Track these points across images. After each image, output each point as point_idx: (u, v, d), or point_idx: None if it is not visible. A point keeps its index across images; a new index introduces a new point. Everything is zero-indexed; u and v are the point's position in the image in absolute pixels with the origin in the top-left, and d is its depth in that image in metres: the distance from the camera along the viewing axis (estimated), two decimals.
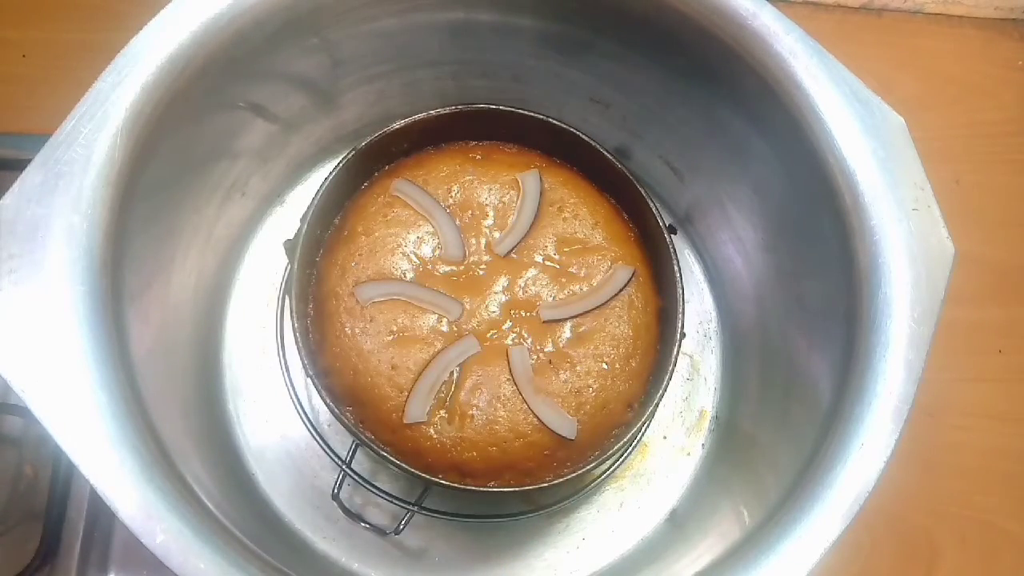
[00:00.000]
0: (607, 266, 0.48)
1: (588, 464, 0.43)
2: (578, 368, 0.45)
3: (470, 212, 0.48)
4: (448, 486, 0.42)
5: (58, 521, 0.48)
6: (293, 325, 0.43)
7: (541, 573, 0.50)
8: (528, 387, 0.44)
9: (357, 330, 0.45)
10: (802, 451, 0.39)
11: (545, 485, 0.43)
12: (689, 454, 0.53)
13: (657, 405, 0.45)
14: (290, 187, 0.56)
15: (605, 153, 0.48)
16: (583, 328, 0.46)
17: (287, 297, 0.45)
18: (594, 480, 0.49)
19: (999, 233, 0.60)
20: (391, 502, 0.47)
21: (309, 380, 0.44)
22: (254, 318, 0.53)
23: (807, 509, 0.36)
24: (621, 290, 0.47)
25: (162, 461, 0.35)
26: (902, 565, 0.54)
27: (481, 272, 0.47)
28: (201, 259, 0.49)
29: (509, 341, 0.45)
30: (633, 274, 0.47)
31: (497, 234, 0.47)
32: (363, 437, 0.43)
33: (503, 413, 0.43)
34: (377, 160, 0.49)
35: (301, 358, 0.43)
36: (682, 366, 0.54)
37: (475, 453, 0.43)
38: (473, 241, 0.47)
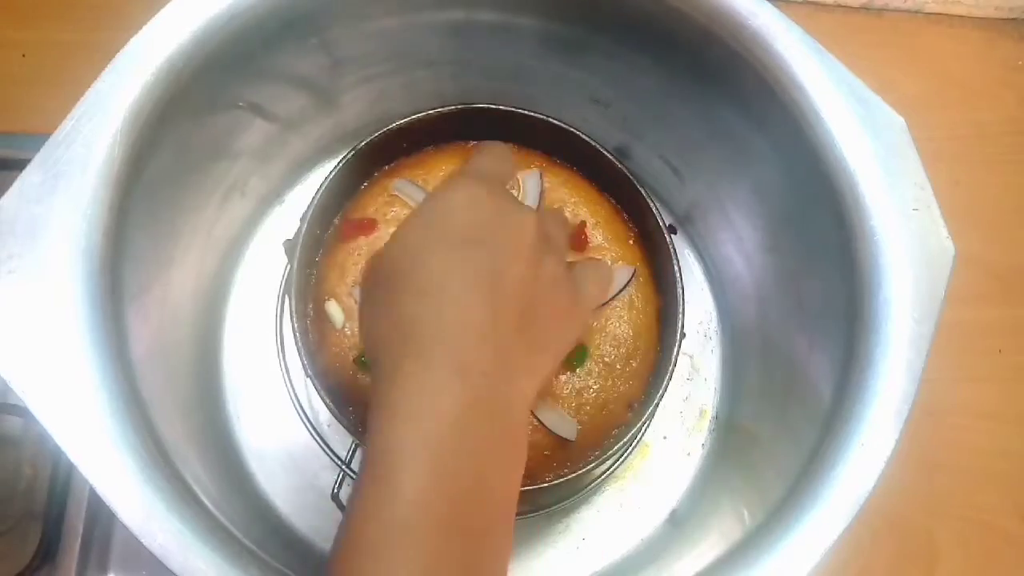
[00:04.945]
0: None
1: (588, 464, 0.43)
2: (578, 369, 0.45)
3: None
4: None
5: (57, 521, 0.48)
6: (293, 325, 0.43)
7: (540, 573, 0.50)
8: None
9: (356, 330, 0.45)
10: (803, 451, 0.39)
11: (545, 485, 0.43)
12: (689, 454, 0.53)
13: (657, 405, 0.44)
14: (290, 187, 0.56)
15: (605, 153, 0.48)
16: None
17: (287, 297, 0.45)
18: (594, 480, 0.49)
19: (999, 233, 0.60)
20: None
21: (309, 380, 0.44)
22: (254, 318, 0.53)
23: (808, 509, 0.36)
24: (622, 290, 0.47)
25: (162, 461, 0.35)
26: (902, 565, 0.54)
27: None
28: (200, 259, 0.49)
29: None
30: (633, 274, 0.47)
31: None
32: (363, 437, 0.43)
33: None
34: (377, 160, 0.49)
35: (301, 358, 0.43)
36: (682, 366, 0.54)
37: None
38: None
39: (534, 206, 0.48)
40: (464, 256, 0.31)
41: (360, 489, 0.28)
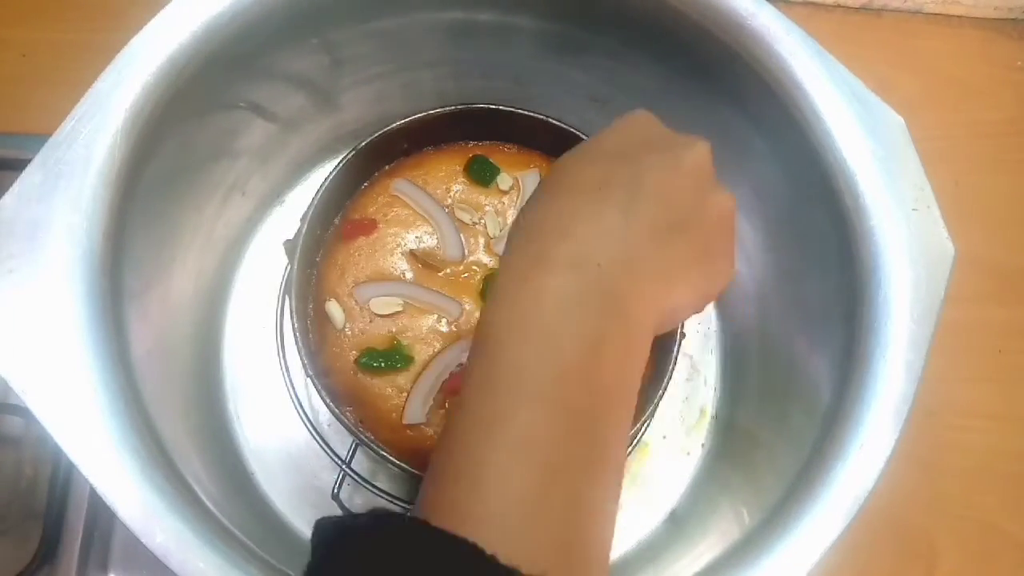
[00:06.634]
0: None
1: None
2: None
3: (469, 212, 0.48)
4: None
5: (58, 521, 0.48)
6: (293, 325, 0.43)
7: None
8: None
9: (356, 330, 0.45)
10: (802, 451, 0.39)
11: None
12: (689, 454, 0.53)
13: (657, 405, 0.45)
14: (290, 187, 0.56)
15: None
16: None
17: (287, 297, 0.45)
18: None
19: (999, 233, 0.60)
20: (391, 502, 0.47)
21: (309, 380, 0.44)
22: (254, 318, 0.53)
23: (807, 509, 0.36)
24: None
25: (162, 461, 0.35)
26: (901, 565, 0.54)
27: (480, 272, 0.47)
28: (201, 259, 0.49)
29: None
30: None
31: (497, 233, 0.48)
32: (363, 437, 0.43)
33: None
34: (377, 160, 0.49)
35: (301, 358, 0.43)
36: (682, 366, 0.54)
37: None
38: (472, 240, 0.47)
39: None
40: (613, 166, 0.31)
41: (467, 369, 0.29)
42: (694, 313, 0.34)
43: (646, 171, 0.31)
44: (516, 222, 0.32)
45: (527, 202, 0.33)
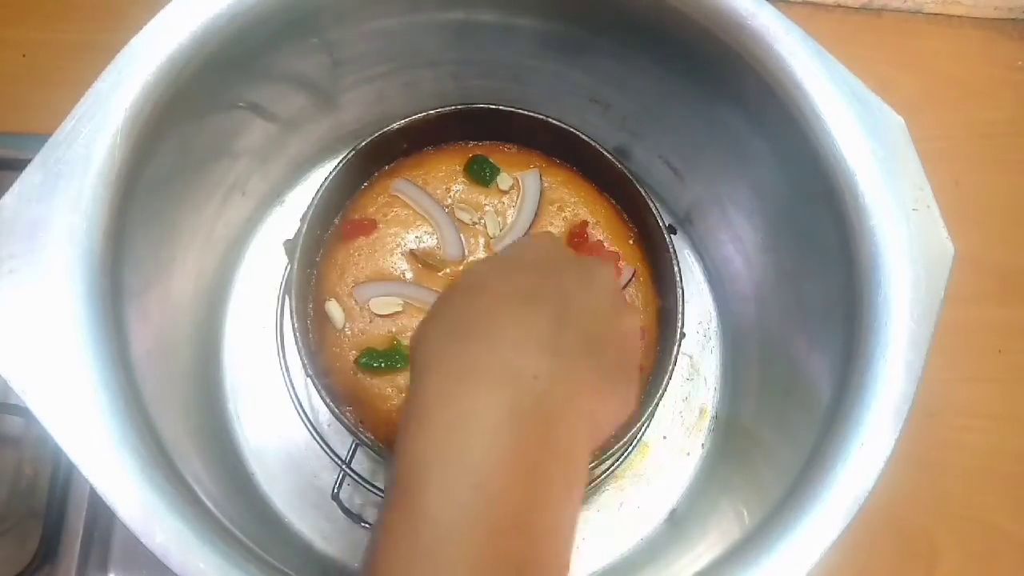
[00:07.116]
0: None
1: (588, 464, 0.43)
2: None
3: (469, 212, 0.48)
4: None
5: (58, 521, 0.48)
6: (293, 325, 0.43)
7: None
8: None
9: (356, 330, 0.45)
10: (802, 451, 0.39)
11: None
12: (689, 454, 0.53)
13: (657, 405, 0.45)
14: (290, 187, 0.56)
15: (605, 153, 0.48)
16: None
17: (287, 297, 0.45)
18: (593, 480, 0.49)
19: (999, 233, 0.60)
20: None
21: (309, 380, 0.44)
22: (254, 318, 0.53)
23: (807, 509, 0.36)
24: (621, 290, 0.47)
25: (162, 461, 0.35)
26: (901, 565, 0.54)
27: None
28: (201, 259, 0.49)
29: None
30: (633, 274, 0.47)
31: (496, 233, 0.48)
32: (363, 437, 0.43)
33: None
34: (377, 160, 0.49)
35: (301, 358, 0.43)
36: (682, 366, 0.54)
37: None
38: (472, 240, 0.47)
39: (534, 205, 0.48)
40: (538, 280, 0.31)
41: (385, 512, 0.25)
42: (605, 437, 0.32)
43: (571, 286, 0.31)
44: (431, 324, 0.29)
45: (439, 305, 0.31)
